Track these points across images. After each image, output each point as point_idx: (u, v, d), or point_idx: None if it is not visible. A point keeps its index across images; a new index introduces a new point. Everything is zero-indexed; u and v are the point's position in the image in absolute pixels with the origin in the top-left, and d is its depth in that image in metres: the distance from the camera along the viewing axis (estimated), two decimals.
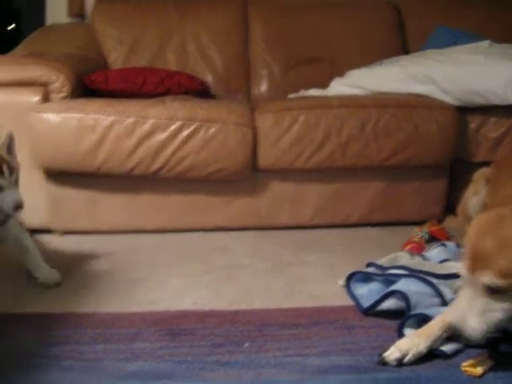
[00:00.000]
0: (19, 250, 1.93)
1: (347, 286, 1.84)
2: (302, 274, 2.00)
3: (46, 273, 1.94)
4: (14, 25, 4.48)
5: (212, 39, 3.13)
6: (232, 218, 2.43)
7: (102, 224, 2.41)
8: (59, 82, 2.36)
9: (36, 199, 2.36)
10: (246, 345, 1.51)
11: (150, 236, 2.38)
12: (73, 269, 2.08)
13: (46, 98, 2.35)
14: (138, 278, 1.98)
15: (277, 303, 1.77)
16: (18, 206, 1.75)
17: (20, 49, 2.76)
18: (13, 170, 1.77)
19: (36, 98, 2.32)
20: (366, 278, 1.84)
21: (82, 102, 2.34)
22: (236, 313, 1.69)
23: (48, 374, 1.40)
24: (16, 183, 1.79)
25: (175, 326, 1.62)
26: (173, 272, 2.03)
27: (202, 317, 1.67)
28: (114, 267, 2.09)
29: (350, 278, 1.84)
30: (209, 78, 3.04)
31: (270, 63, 3.12)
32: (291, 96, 2.89)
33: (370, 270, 1.87)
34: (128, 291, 1.88)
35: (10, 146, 1.83)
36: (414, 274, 1.72)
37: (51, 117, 2.25)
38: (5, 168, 1.74)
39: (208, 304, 1.77)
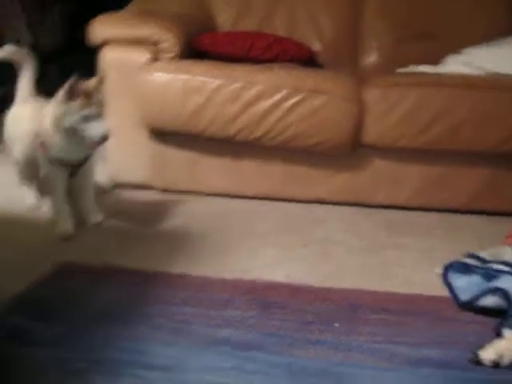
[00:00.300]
0: (80, 186, 2.09)
1: (444, 275, 1.77)
2: (396, 257, 1.95)
3: (89, 214, 2.11)
4: None
5: (323, 5, 3.04)
6: (331, 192, 2.39)
7: (201, 185, 2.44)
8: (169, 41, 2.38)
9: (139, 156, 2.44)
10: (336, 325, 1.50)
11: (247, 202, 2.39)
12: (168, 227, 2.13)
13: (155, 58, 2.38)
14: (232, 244, 2.00)
15: (369, 285, 1.74)
16: (105, 136, 1.87)
17: (132, 6, 2.80)
18: (100, 103, 1.89)
19: (145, 57, 2.36)
20: (465, 269, 1.76)
21: (189, 64, 2.35)
22: (328, 290, 1.67)
23: (140, 330, 1.45)
24: (101, 115, 1.89)
25: (266, 298, 1.62)
26: (268, 242, 2.03)
27: (294, 291, 1.67)
28: (207, 230, 2.12)
29: (448, 267, 1.78)
30: (316, 46, 2.97)
31: (381, 34, 3.00)
32: (400, 71, 2.78)
33: (470, 261, 1.79)
34: (220, 256, 1.90)
35: (101, 81, 1.93)
36: None
37: (159, 76, 2.29)
38: (95, 99, 1.87)
39: (300, 278, 1.76)
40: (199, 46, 2.56)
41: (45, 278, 1.71)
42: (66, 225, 2.02)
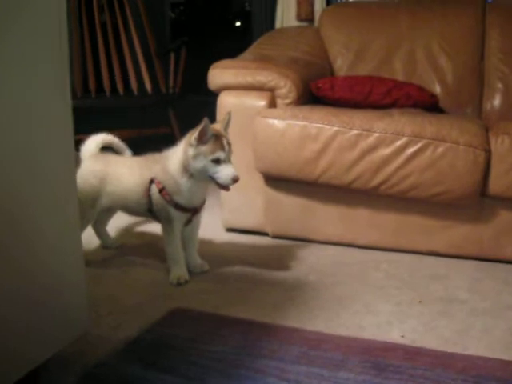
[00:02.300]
0: (189, 233, 2.11)
1: None
2: None
3: (196, 263, 2.12)
4: (239, 23, 4.69)
5: (443, 48, 2.94)
6: (450, 245, 2.26)
7: (314, 233, 2.39)
8: (286, 87, 2.39)
9: (253, 201, 2.44)
10: None
11: (361, 251, 2.31)
12: (280, 276, 2.09)
13: (272, 103, 2.39)
14: (346, 297, 1.92)
15: (495, 352, 1.59)
16: (235, 179, 1.88)
17: (250, 51, 2.84)
18: (230, 146, 1.91)
19: (263, 103, 2.38)
20: None
21: (306, 110, 2.33)
22: (451, 356, 1.55)
23: None
24: (229, 159, 1.91)
25: (381, 359, 1.52)
26: (382, 295, 1.94)
27: (412, 354, 1.56)
28: (321, 280, 2.06)
29: None
30: (437, 89, 2.87)
31: (507, 76, 2.85)
32: None
33: None
34: (335, 310, 1.83)
35: (227, 126, 1.99)
36: None
37: (276, 123, 2.28)
38: (224, 142, 1.90)
39: (419, 339, 1.65)
40: (317, 91, 2.54)
41: (158, 323, 1.72)
42: (182, 269, 2.04)
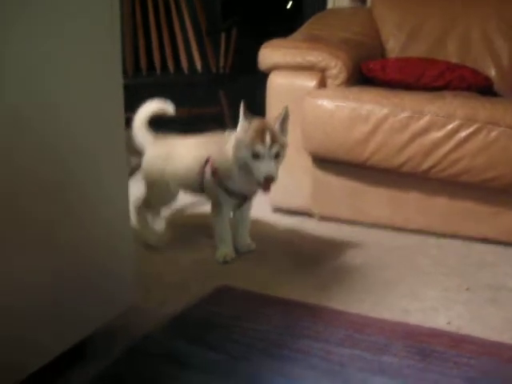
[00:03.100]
0: (240, 216, 2.11)
1: None
2: None
3: (244, 242, 2.12)
4: (291, 2, 4.64)
5: (500, 28, 2.85)
6: (500, 231, 2.20)
7: (362, 216, 2.37)
8: (337, 68, 2.36)
9: (301, 182, 2.43)
10: None
11: (409, 236, 2.28)
12: (326, 258, 2.09)
13: (322, 84, 2.37)
14: (392, 281, 1.91)
15: None
16: (269, 179, 1.81)
17: (301, 31, 2.81)
18: (276, 142, 1.83)
19: (312, 83, 2.35)
20: None
21: (356, 91, 2.30)
22: (499, 345, 1.52)
23: (293, 367, 1.41)
24: (277, 158, 1.85)
25: (426, 345, 1.51)
26: (429, 281, 1.92)
27: (458, 341, 1.54)
28: (368, 263, 2.05)
29: None
30: (492, 73, 2.78)
31: None
32: None
33: None
34: (381, 294, 1.82)
35: (283, 121, 1.91)
36: None
37: (325, 103, 2.26)
38: (267, 137, 1.82)
39: (465, 326, 1.63)
40: (368, 72, 2.50)
41: (204, 300, 1.74)
42: (228, 248, 2.05)
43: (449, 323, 1.65)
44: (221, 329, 1.58)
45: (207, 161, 1.99)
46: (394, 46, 2.96)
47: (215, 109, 3.45)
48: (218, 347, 1.49)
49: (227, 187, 1.97)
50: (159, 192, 2.15)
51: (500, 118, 2.08)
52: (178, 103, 2.22)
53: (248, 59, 2.72)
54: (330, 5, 3.59)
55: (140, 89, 2.86)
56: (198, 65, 3.46)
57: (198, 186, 2.04)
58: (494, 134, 2.07)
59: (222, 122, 3.32)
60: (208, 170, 1.99)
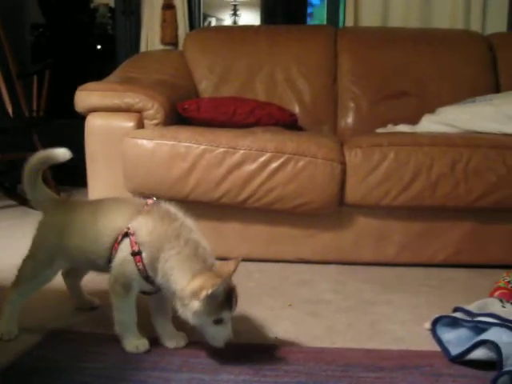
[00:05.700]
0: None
1: (433, 329, 1.79)
2: (385, 314, 1.97)
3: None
4: (99, 46, 4.69)
5: (300, 70, 3.17)
6: (315, 252, 2.43)
7: None
8: (153, 109, 2.45)
9: None
10: None
11: None
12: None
13: (140, 125, 2.44)
14: None
15: (360, 343, 1.74)
16: (227, 342, 1.58)
17: (116, 74, 2.87)
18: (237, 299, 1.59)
19: (131, 124, 2.42)
20: (454, 322, 1.78)
21: (174, 130, 2.40)
22: (321, 350, 1.68)
23: None
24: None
25: (257, 360, 1.62)
26: (255, 302, 2.04)
27: (286, 352, 1.66)
28: None
29: (437, 321, 1.80)
30: (296, 109, 3.07)
31: (358, 96, 3.12)
32: (379, 130, 2.87)
33: (458, 315, 1.81)
34: None
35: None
36: (505, 323, 1.66)
37: (144, 143, 2.33)
38: (234, 299, 1.57)
39: (291, 338, 1.77)
40: (184, 111, 2.63)
41: (36, 346, 1.69)
42: (136, 336, 1.65)
43: (276, 337, 1.78)
44: (57, 372, 1.55)
45: (126, 234, 1.58)
46: (206, 87, 3.14)
47: (30, 154, 3.35)
48: None
49: (151, 278, 1.57)
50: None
51: (306, 148, 2.30)
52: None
53: (62, 102, 2.71)
54: (142, 47, 3.70)
55: None
56: (9, 109, 3.35)
57: (106, 260, 1.61)
58: (301, 163, 2.28)
59: None
60: (126, 247, 1.57)
